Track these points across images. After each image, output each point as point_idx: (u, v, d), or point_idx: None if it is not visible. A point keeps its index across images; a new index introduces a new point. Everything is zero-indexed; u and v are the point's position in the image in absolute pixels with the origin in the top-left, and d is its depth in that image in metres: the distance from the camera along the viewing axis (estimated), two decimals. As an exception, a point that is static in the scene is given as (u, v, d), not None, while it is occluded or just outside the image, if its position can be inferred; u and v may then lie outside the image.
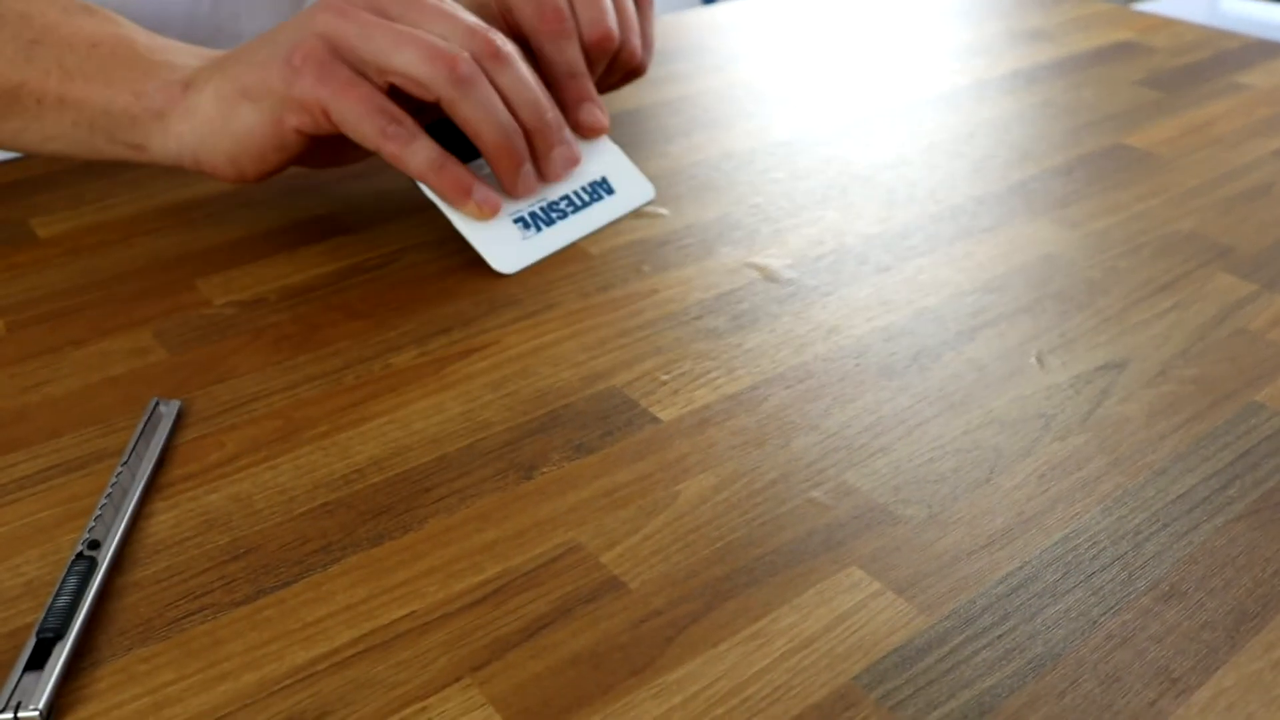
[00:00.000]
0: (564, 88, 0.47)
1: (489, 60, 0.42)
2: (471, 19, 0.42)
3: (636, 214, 0.50)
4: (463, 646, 0.28)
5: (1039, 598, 0.29)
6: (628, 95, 0.65)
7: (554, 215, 0.47)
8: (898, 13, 0.81)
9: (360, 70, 0.41)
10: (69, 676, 0.27)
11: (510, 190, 0.45)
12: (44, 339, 0.41)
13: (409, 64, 0.40)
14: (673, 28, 0.78)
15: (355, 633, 0.28)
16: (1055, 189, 0.53)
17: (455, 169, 0.43)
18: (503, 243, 0.45)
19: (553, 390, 0.38)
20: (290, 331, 0.41)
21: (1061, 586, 0.30)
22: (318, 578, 0.30)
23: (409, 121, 0.41)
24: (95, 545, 0.30)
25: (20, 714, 0.25)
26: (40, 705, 0.26)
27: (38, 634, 0.27)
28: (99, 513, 0.31)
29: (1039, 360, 0.39)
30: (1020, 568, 0.30)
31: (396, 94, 0.42)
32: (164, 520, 0.32)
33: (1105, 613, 0.29)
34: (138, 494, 0.32)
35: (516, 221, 0.46)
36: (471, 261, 0.46)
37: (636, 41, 0.50)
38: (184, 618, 0.29)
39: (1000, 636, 0.28)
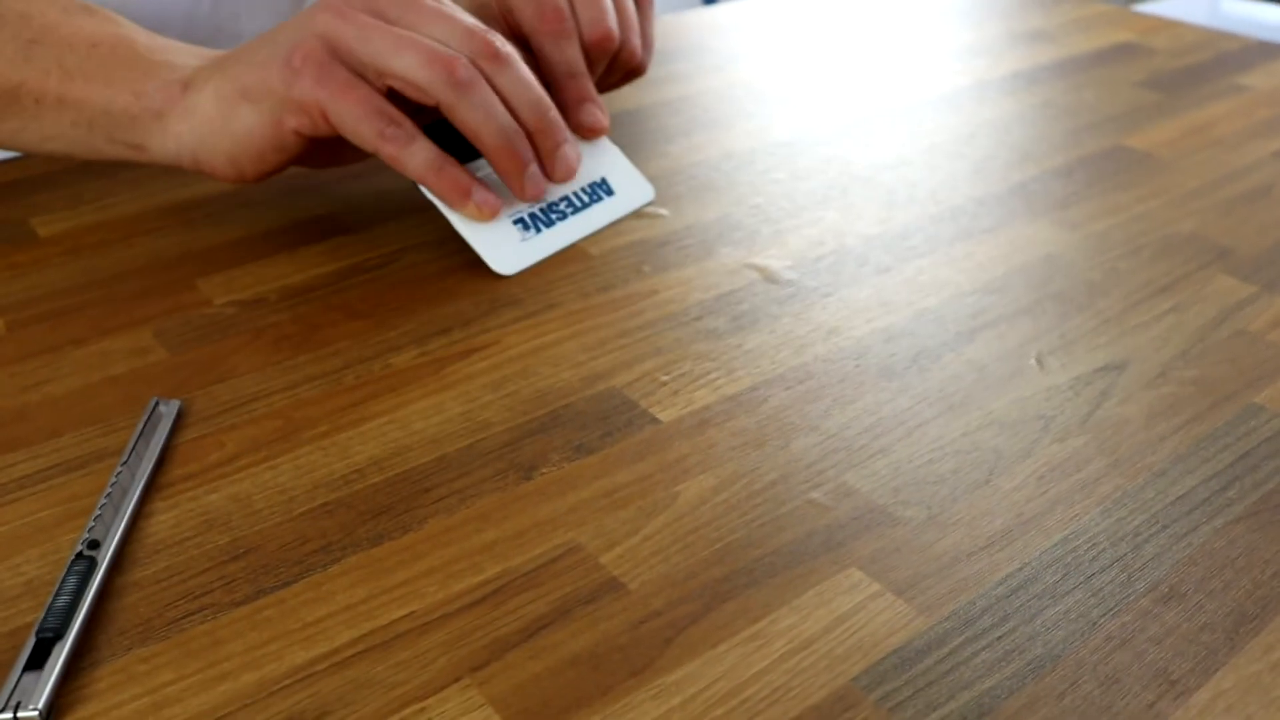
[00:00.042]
0: (564, 88, 0.47)
1: (487, 62, 0.42)
2: (470, 21, 0.42)
3: (637, 214, 0.50)
4: (462, 647, 0.28)
5: (1038, 599, 0.29)
6: (628, 95, 0.65)
7: (553, 216, 0.47)
8: (898, 13, 0.81)
9: (359, 72, 0.41)
10: (68, 676, 0.27)
11: (518, 193, 0.45)
12: (44, 338, 0.41)
13: (407, 68, 0.40)
14: (673, 28, 0.78)
15: (355, 633, 0.28)
16: (1055, 190, 0.53)
17: (454, 170, 0.43)
18: (502, 244, 0.45)
19: (553, 391, 0.38)
20: (290, 331, 0.41)
21: (1061, 588, 0.30)
22: (317, 578, 0.30)
23: (407, 123, 0.41)
24: (95, 545, 0.30)
25: (20, 714, 0.25)
26: (40, 705, 0.26)
27: (37, 634, 0.27)
28: (99, 512, 0.31)
29: (1039, 361, 0.39)
30: (1020, 569, 0.30)
31: (395, 95, 0.42)
32: (164, 520, 0.32)
33: (1104, 614, 0.29)
34: (137, 494, 0.32)
35: (516, 223, 0.46)
36: (471, 261, 0.46)
37: (636, 41, 0.50)
38: (184, 618, 0.29)
39: (1000, 638, 0.28)
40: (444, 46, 0.41)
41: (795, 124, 0.61)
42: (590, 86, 0.48)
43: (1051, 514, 0.32)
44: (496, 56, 0.42)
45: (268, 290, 0.44)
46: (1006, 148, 0.58)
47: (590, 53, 0.48)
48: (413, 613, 0.29)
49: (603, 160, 0.50)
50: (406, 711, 0.26)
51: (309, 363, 0.39)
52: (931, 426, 0.36)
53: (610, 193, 0.50)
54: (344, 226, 0.49)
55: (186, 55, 0.45)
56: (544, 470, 0.34)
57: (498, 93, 0.43)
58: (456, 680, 0.27)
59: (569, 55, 0.47)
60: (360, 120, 0.40)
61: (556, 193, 0.48)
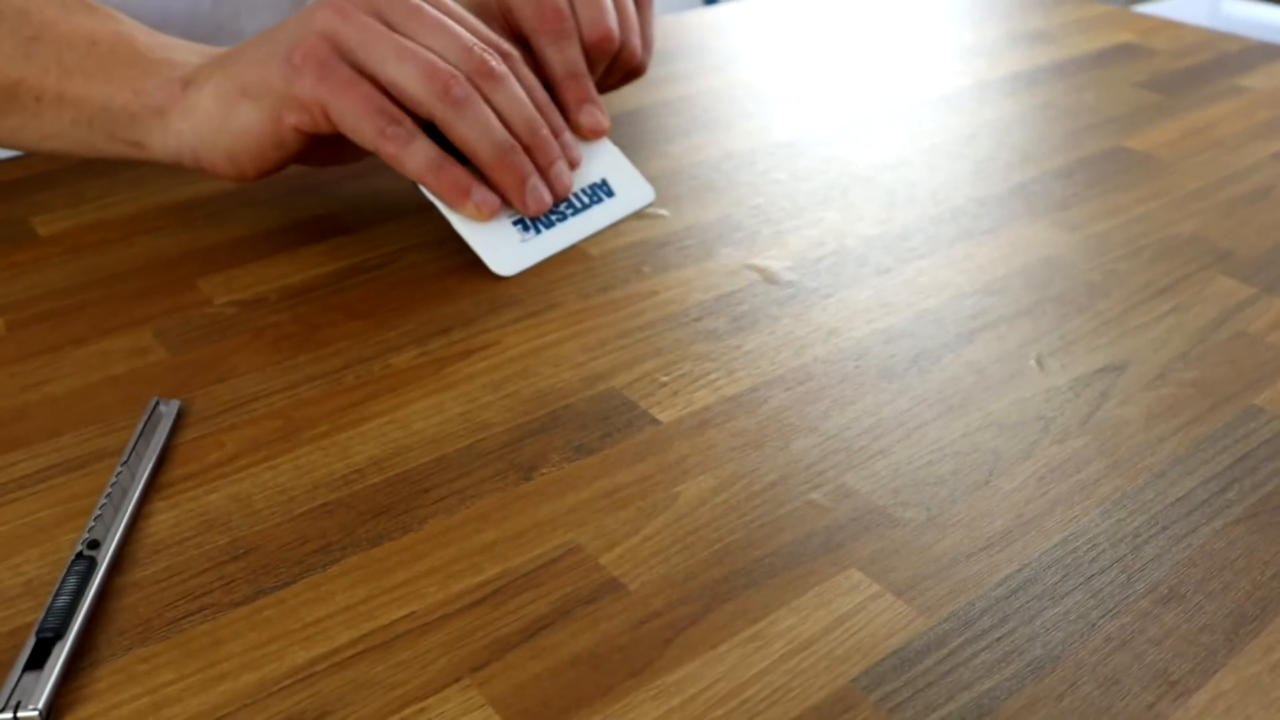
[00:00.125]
0: (564, 88, 0.47)
1: (482, 79, 0.42)
2: (467, 37, 0.42)
3: (637, 215, 0.50)
4: (462, 647, 0.28)
5: (1038, 600, 0.29)
6: (628, 95, 0.65)
7: (553, 217, 0.47)
8: (899, 14, 0.81)
9: (359, 70, 0.41)
10: (68, 676, 0.27)
11: (520, 207, 0.45)
12: (44, 338, 0.41)
13: (405, 79, 0.41)
14: (673, 28, 0.78)
15: (355, 633, 0.28)
16: (1056, 191, 0.53)
17: (454, 170, 0.43)
18: (502, 245, 0.45)
19: (553, 391, 0.38)
20: (290, 331, 0.41)
21: (1060, 589, 0.30)
22: (317, 578, 0.30)
23: (408, 122, 0.41)
24: (95, 545, 0.30)
25: (20, 714, 0.25)
26: (40, 705, 0.26)
27: (37, 633, 0.27)
28: (99, 512, 0.31)
29: (1038, 363, 0.39)
30: (1019, 570, 0.30)
31: None
32: (164, 520, 0.32)
33: (1104, 615, 0.29)
34: (137, 494, 0.32)
35: (516, 224, 0.46)
36: (471, 262, 0.46)
37: (637, 42, 0.50)
38: (183, 618, 0.29)
39: (999, 639, 0.28)
40: (441, 61, 0.41)
41: (795, 124, 0.61)
42: (590, 87, 0.48)
43: (1051, 515, 0.32)
44: (491, 74, 0.42)
45: (268, 290, 0.44)
46: (1007, 148, 0.58)
47: (590, 53, 0.48)
48: (413, 613, 0.29)
49: (603, 161, 0.50)
50: (406, 712, 0.26)
51: (309, 363, 0.39)
52: (931, 428, 0.36)
53: (610, 194, 0.50)
54: (344, 226, 0.49)
55: (187, 53, 0.45)
56: (544, 471, 0.34)
57: (494, 109, 0.43)
58: (456, 680, 0.27)
59: (569, 56, 0.47)
60: (361, 118, 0.40)
61: (556, 193, 0.48)
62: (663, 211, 0.51)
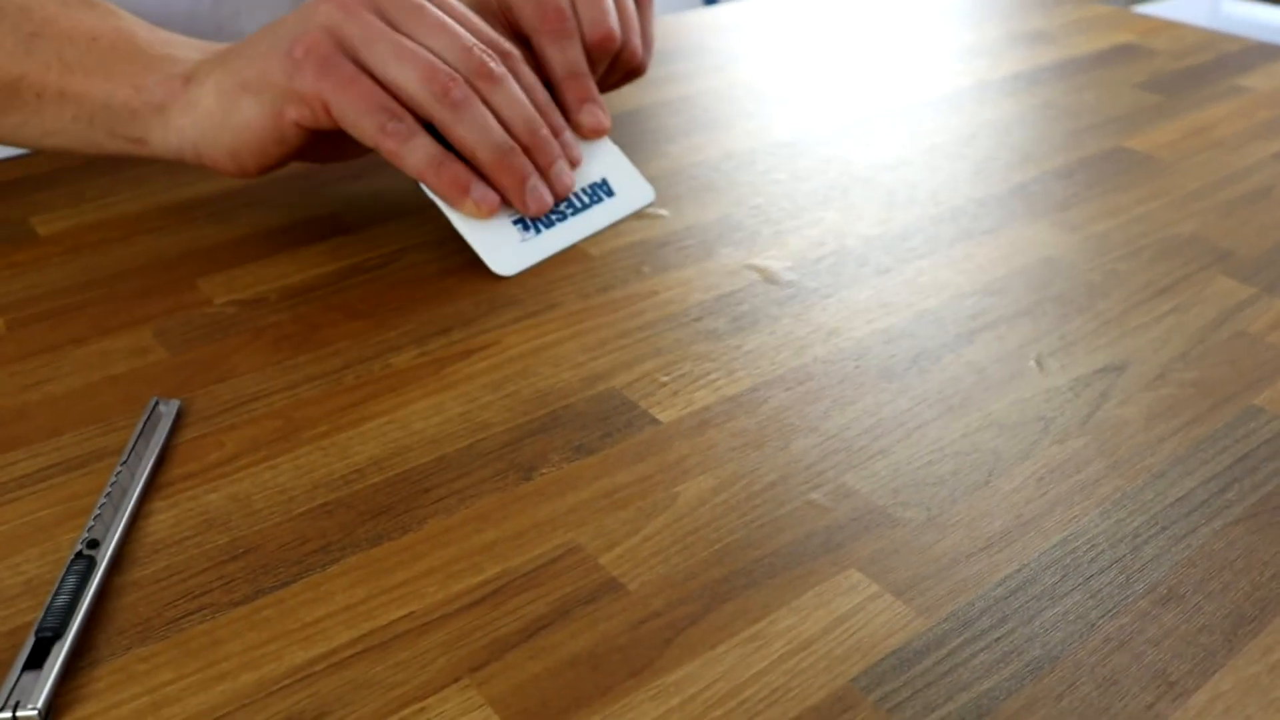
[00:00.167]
0: (565, 88, 0.47)
1: (480, 81, 0.42)
2: (467, 38, 0.42)
3: (637, 215, 0.50)
4: (461, 647, 0.28)
5: (1037, 600, 0.29)
6: (628, 95, 0.65)
7: (553, 217, 0.47)
8: (899, 14, 0.81)
9: (361, 67, 0.41)
10: (67, 676, 0.27)
11: (521, 207, 0.45)
12: (44, 337, 0.41)
13: (405, 80, 0.41)
14: (673, 28, 0.78)
15: (354, 633, 0.28)
16: (1056, 191, 0.53)
17: (454, 167, 0.43)
18: (502, 244, 0.45)
19: (553, 391, 0.38)
20: (290, 331, 0.41)
21: (1060, 589, 0.30)
22: (316, 578, 0.30)
23: (409, 118, 0.41)
24: (94, 544, 0.30)
25: (19, 713, 0.25)
26: (39, 704, 0.26)
27: (36, 633, 0.27)
28: (98, 512, 0.31)
29: (1038, 363, 0.39)
30: (1019, 570, 0.30)
31: None
32: (163, 520, 0.32)
33: (1103, 616, 0.29)
34: (137, 493, 0.32)
35: (516, 223, 0.46)
36: (471, 261, 0.46)
37: (637, 41, 0.50)
38: (183, 617, 0.29)
39: (998, 639, 0.28)
40: (440, 63, 0.41)
41: (795, 124, 0.61)
42: (592, 86, 0.48)
43: (1050, 515, 0.32)
44: (490, 76, 0.42)
45: (268, 290, 0.44)
46: (1007, 149, 0.58)
47: (592, 53, 0.48)
48: (412, 613, 0.29)
49: (603, 161, 0.50)
50: (406, 712, 0.26)
51: (309, 363, 0.39)
52: (931, 428, 0.36)
53: (611, 194, 0.50)
54: (344, 226, 0.49)
55: (187, 49, 0.45)
56: (544, 471, 0.34)
57: (492, 110, 0.43)
58: (456, 680, 0.27)
59: (570, 55, 0.47)
60: (362, 114, 0.40)
61: (557, 193, 0.48)
62: (663, 211, 0.51)
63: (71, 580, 0.29)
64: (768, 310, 0.43)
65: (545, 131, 0.45)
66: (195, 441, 0.35)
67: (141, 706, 0.26)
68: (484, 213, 0.44)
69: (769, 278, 0.45)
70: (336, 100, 0.40)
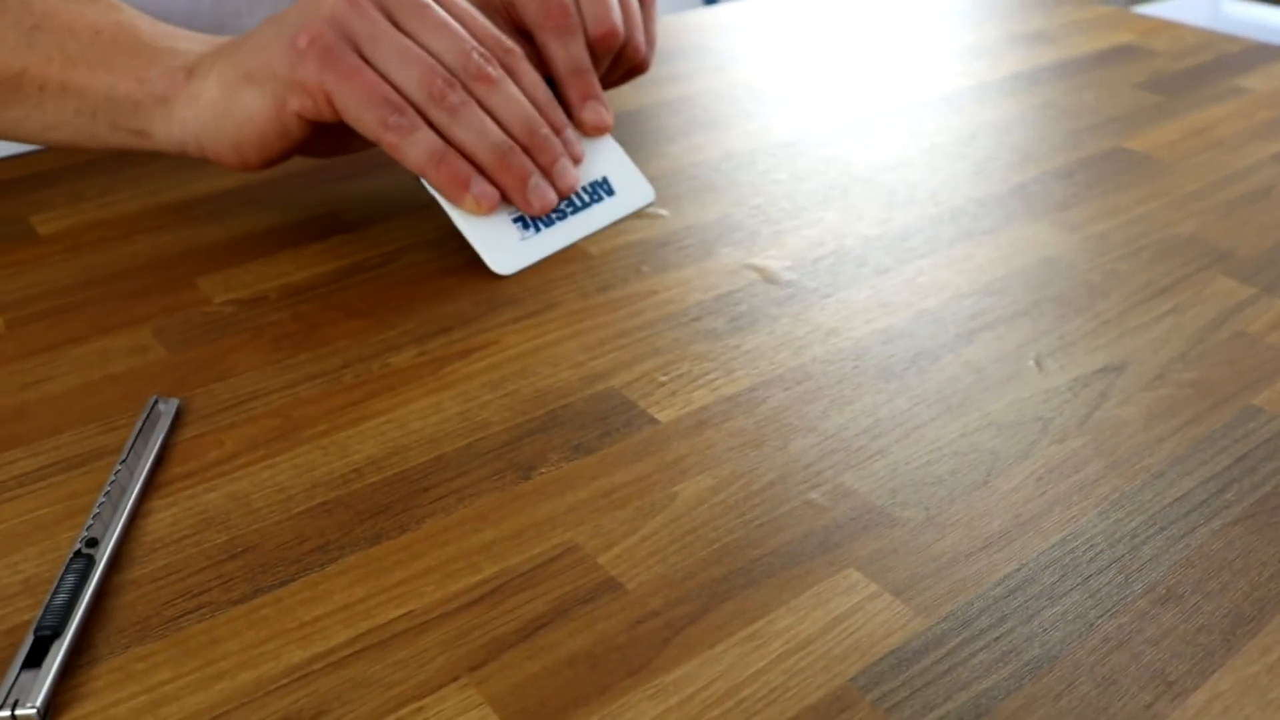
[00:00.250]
0: (568, 84, 0.47)
1: (477, 84, 0.42)
2: (468, 40, 0.42)
3: (637, 214, 0.50)
4: (460, 646, 0.28)
5: (1036, 600, 0.29)
6: (628, 95, 0.65)
7: (554, 216, 0.47)
8: (899, 14, 0.81)
9: (364, 59, 0.41)
10: (66, 674, 0.27)
11: (525, 207, 0.45)
12: (44, 336, 0.41)
13: (406, 81, 0.41)
14: (673, 28, 0.78)
15: (352, 632, 0.28)
16: (1056, 191, 0.53)
17: (455, 162, 0.42)
18: (502, 242, 0.45)
19: (551, 390, 0.38)
20: (290, 330, 0.41)
21: (1059, 589, 0.30)
22: (315, 577, 0.30)
23: (411, 113, 0.41)
24: (93, 543, 0.30)
25: (18, 712, 0.25)
26: (38, 703, 0.26)
27: (35, 632, 0.27)
28: (97, 510, 0.31)
29: (1037, 363, 0.39)
30: (1017, 570, 0.30)
31: None
32: (162, 519, 0.32)
33: (1102, 615, 0.29)
34: (136, 492, 0.32)
35: (516, 221, 0.46)
36: (471, 261, 0.46)
37: (640, 38, 0.50)
38: (181, 616, 0.29)
39: (997, 639, 0.28)
40: (440, 66, 0.41)
41: (795, 124, 0.61)
42: (595, 83, 0.48)
43: (1049, 515, 0.32)
44: (487, 79, 0.42)
45: (267, 289, 0.44)
46: (1007, 149, 0.58)
47: (595, 49, 0.48)
48: (410, 612, 0.29)
49: (605, 159, 0.50)
50: (404, 711, 0.26)
51: (308, 362, 0.39)
52: (930, 428, 0.36)
53: (611, 193, 0.50)
54: (344, 225, 0.49)
55: (190, 41, 0.45)
56: (542, 470, 0.34)
57: (491, 113, 0.43)
58: (454, 680, 0.27)
59: (574, 52, 0.47)
60: (364, 107, 0.40)
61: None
62: (663, 211, 0.51)
63: (70, 579, 0.29)
64: (767, 310, 0.43)
65: (545, 131, 0.45)
66: (194, 440, 0.35)
67: (140, 705, 0.26)
68: (484, 209, 0.44)
69: (768, 278, 0.45)
70: (339, 91, 0.40)
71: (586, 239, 0.48)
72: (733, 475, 0.34)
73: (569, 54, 0.47)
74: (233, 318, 0.42)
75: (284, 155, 0.44)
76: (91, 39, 0.43)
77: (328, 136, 0.45)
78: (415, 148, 0.41)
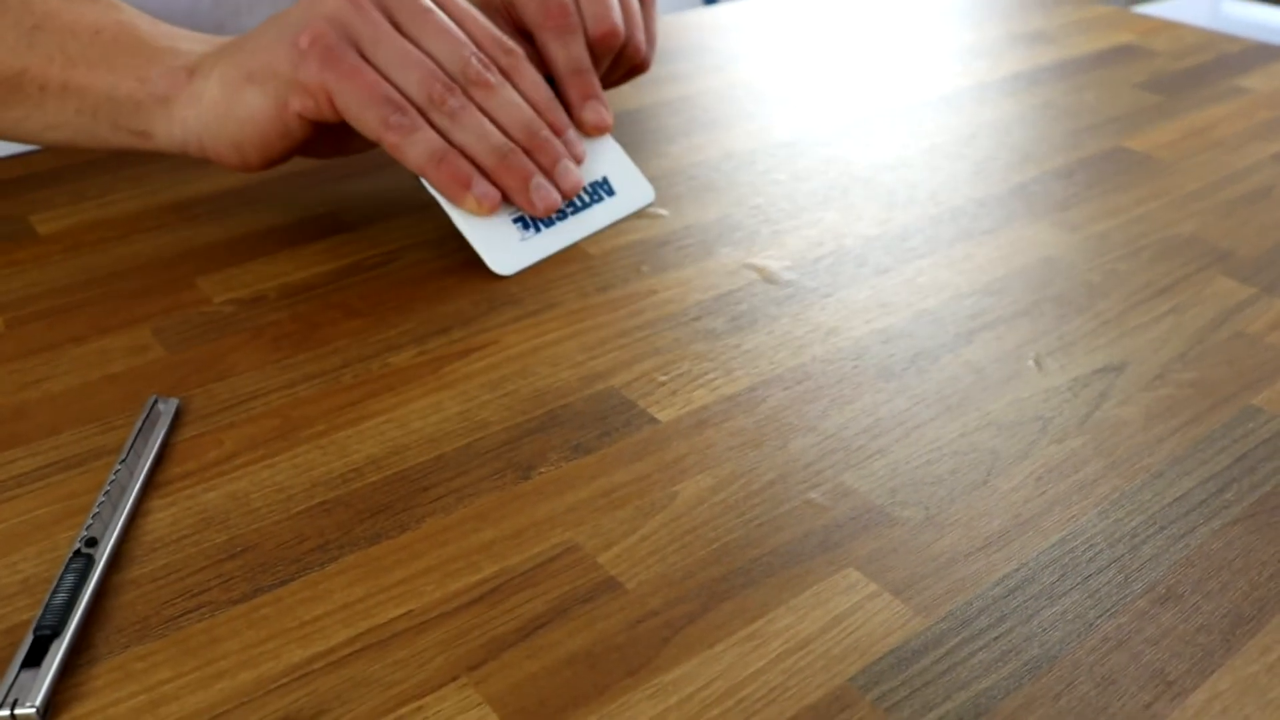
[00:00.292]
0: (569, 84, 0.47)
1: (476, 89, 0.42)
2: (468, 45, 0.42)
3: (636, 214, 0.50)
4: (459, 646, 0.28)
5: (1035, 600, 0.29)
6: (628, 95, 0.65)
7: (554, 216, 0.47)
8: (899, 14, 0.81)
9: (365, 59, 0.41)
10: (66, 674, 0.27)
11: (528, 207, 0.45)
12: (43, 336, 0.41)
13: (406, 84, 0.41)
14: (673, 28, 0.78)
15: (352, 632, 0.28)
16: (1056, 191, 0.53)
17: (456, 162, 0.42)
18: (502, 243, 0.45)
19: (551, 390, 0.38)
20: (289, 330, 0.41)
21: (1058, 589, 0.30)
22: (315, 576, 0.30)
23: (412, 113, 0.41)
24: (93, 543, 0.30)
25: (17, 711, 0.25)
26: (37, 703, 0.26)
27: (35, 631, 0.27)
28: (97, 510, 0.31)
29: (1037, 363, 0.39)
30: (1017, 570, 0.30)
31: None
32: (161, 518, 0.32)
33: (1101, 615, 0.29)
34: (135, 492, 0.32)
35: (516, 221, 0.46)
36: (471, 261, 0.46)
37: (641, 37, 0.50)
38: (181, 616, 0.29)
39: (997, 638, 0.28)
40: (440, 71, 0.41)
41: (795, 124, 0.61)
42: (595, 83, 0.48)
43: (1049, 515, 0.32)
44: (486, 84, 0.43)
45: (267, 288, 0.44)
46: (1007, 149, 0.58)
47: (595, 49, 0.48)
48: (410, 612, 0.29)
49: (605, 159, 0.50)
50: (403, 710, 0.26)
51: (307, 361, 0.39)
52: (929, 427, 0.36)
53: (611, 193, 0.50)
54: (344, 225, 0.49)
55: (191, 41, 0.45)
56: (542, 470, 0.34)
57: (490, 117, 0.43)
58: (454, 679, 0.27)
59: (574, 52, 0.47)
60: (365, 106, 0.40)
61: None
62: (662, 211, 0.51)
63: (70, 578, 0.29)
64: (766, 310, 0.43)
65: (546, 132, 0.45)
66: (194, 440, 0.35)
67: (139, 705, 0.26)
68: (485, 209, 0.44)
69: (768, 277, 0.45)
70: (340, 91, 0.40)
71: (586, 239, 0.48)
72: (732, 475, 0.34)
73: (569, 54, 0.47)
74: (232, 317, 0.42)
75: (285, 155, 0.44)
76: (92, 39, 0.43)
77: (328, 137, 0.45)
78: (416, 147, 0.41)
